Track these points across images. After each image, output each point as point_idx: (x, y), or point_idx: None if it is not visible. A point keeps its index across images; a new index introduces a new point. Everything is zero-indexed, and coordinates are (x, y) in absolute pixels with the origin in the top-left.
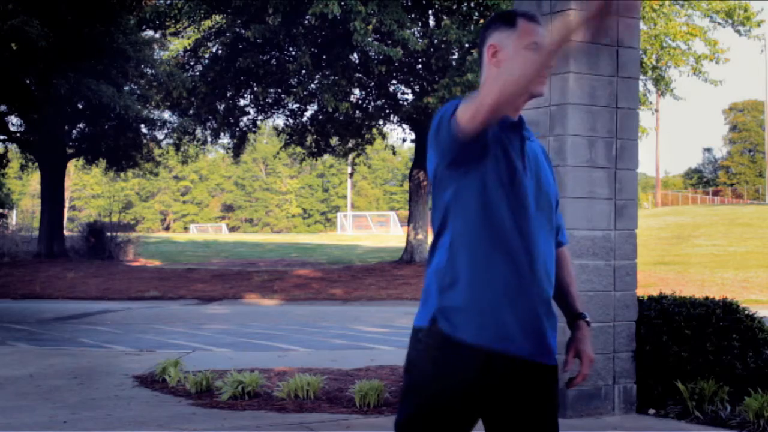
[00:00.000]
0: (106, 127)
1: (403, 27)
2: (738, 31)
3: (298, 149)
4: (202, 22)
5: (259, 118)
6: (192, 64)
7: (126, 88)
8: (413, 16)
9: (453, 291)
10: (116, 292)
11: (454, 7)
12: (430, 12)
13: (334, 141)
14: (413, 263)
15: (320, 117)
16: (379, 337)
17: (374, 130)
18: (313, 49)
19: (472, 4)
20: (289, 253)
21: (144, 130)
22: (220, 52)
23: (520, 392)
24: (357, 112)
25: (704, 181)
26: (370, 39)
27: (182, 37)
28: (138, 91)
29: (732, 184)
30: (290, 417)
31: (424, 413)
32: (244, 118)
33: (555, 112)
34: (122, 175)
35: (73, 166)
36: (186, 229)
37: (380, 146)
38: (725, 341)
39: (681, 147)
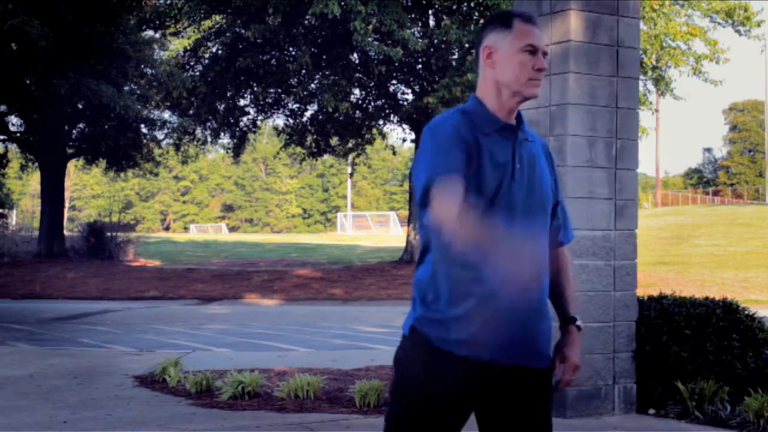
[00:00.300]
0: (106, 127)
1: (403, 27)
2: (738, 31)
3: (298, 149)
4: (202, 22)
5: (259, 118)
6: (192, 64)
7: (126, 88)
8: (413, 16)
9: (436, 305)
10: (116, 292)
11: (454, 7)
12: (430, 12)
13: (334, 141)
14: (413, 263)
15: (320, 117)
16: (379, 337)
17: (374, 130)
18: (313, 49)
19: (472, 4)
20: (289, 253)
21: (144, 130)
22: (220, 52)
23: (509, 395)
24: (357, 112)
25: (704, 181)
26: (370, 39)
27: (182, 37)
28: (138, 91)
29: (732, 184)
30: (290, 417)
31: (411, 414)
32: (244, 118)
33: (555, 112)
34: (122, 175)
35: (73, 166)
36: (186, 229)
37: (380, 146)
38: (725, 341)
39: (681, 147)
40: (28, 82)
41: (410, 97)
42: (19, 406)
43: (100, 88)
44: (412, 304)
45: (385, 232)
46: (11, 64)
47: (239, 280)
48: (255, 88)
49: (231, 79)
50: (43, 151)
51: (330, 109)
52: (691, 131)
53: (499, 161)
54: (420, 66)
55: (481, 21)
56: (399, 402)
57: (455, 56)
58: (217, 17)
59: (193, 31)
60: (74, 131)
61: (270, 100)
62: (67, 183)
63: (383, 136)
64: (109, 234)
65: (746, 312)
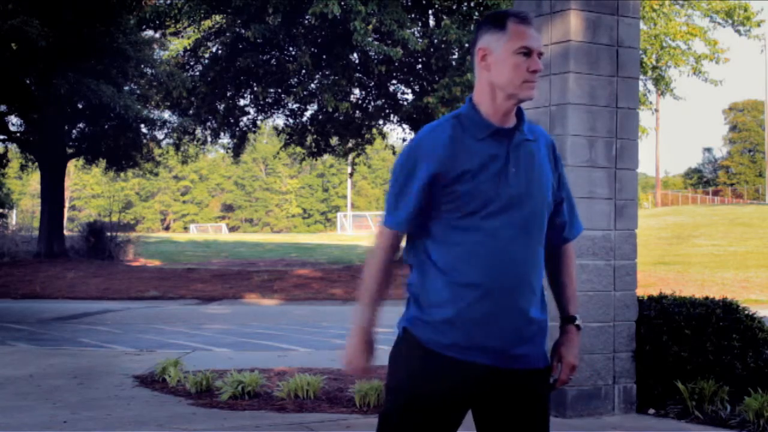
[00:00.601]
0: (106, 127)
1: (403, 27)
2: (738, 31)
3: (298, 149)
4: (202, 22)
5: (259, 118)
6: (192, 64)
7: (126, 88)
8: (413, 16)
9: (426, 307)
10: (116, 292)
11: (454, 7)
12: (430, 12)
13: (334, 141)
14: None
15: (320, 117)
16: (379, 337)
17: (374, 130)
18: (313, 49)
19: (472, 4)
20: (289, 253)
21: (144, 130)
22: (220, 52)
23: (500, 397)
24: (357, 112)
25: (704, 181)
26: (370, 39)
27: (182, 37)
28: (138, 91)
29: (732, 184)
30: (290, 417)
31: (402, 413)
32: (244, 118)
33: (555, 112)
34: (122, 175)
35: (73, 166)
36: (186, 229)
37: (380, 146)
38: (725, 341)
39: (681, 147)
40: (28, 82)
41: (410, 97)
42: (19, 406)
43: (100, 88)
44: (405, 304)
45: None
46: (11, 64)
47: (239, 280)
48: (255, 88)
49: (231, 79)
50: (43, 151)
51: (330, 109)
52: (691, 131)
53: (492, 166)
54: (420, 66)
55: None
56: (391, 400)
57: (455, 56)
58: (217, 17)
59: (193, 31)
60: (74, 131)
61: (270, 100)
62: (67, 183)
63: (383, 136)
64: (109, 234)
65: (746, 312)
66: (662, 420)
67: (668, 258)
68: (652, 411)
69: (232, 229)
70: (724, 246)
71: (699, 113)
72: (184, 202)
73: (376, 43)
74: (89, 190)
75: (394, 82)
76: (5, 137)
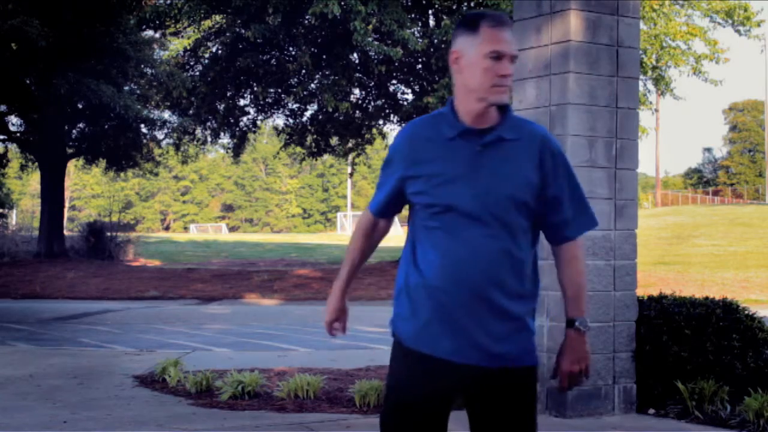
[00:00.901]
0: (106, 127)
1: (403, 27)
2: (738, 31)
3: (298, 149)
4: (202, 22)
5: (259, 118)
6: (192, 64)
7: (126, 88)
8: (413, 16)
9: (399, 301)
10: (116, 292)
11: (454, 7)
12: (430, 12)
13: (334, 141)
14: None
15: (320, 117)
16: (379, 337)
17: (374, 130)
18: (313, 49)
19: (472, 4)
20: (289, 253)
21: (144, 130)
22: (220, 52)
23: (479, 394)
24: (357, 112)
25: (704, 181)
26: (370, 39)
27: (182, 37)
28: (138, 91)
29: (732, 184)
30: (290, 417)
31: (392, 410)
32: (244, 118)
33: (555, 112)
34: (122, 175)
35: (73, 166)
36: (186, 229)
37: (380, 146)
38: (725, 341)
39: (681, 147)
40: (28, 82)
41: (410, 97)
42: (19, 406)
43: (100, 88)
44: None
45: None
46: (11, 64)
47: (239, 280)
48: (255, 88)
49: (231, 79)
50: (43, 151)
51: (330, 109)
52: (691, 131)
53: (458, 166)
54: (420, 66)
55: None
56: (385, 397)
57: None
58: (217, 17)
59: (193, 31)
60: (74, 131)
61: (270, 100)
62: (67, 183)
63: (383, 136)
64: (109, 234)
65: (746, 312)
66: (662, 420)
67: (668, 258)
68: (652, 411)
69: (232, 229)
70: (724, 246)
71: (699, 113)
72: (184, 202)
73: (376, 43)
74: (89, 190)
75: (394, 82)
76: (5, 137)
